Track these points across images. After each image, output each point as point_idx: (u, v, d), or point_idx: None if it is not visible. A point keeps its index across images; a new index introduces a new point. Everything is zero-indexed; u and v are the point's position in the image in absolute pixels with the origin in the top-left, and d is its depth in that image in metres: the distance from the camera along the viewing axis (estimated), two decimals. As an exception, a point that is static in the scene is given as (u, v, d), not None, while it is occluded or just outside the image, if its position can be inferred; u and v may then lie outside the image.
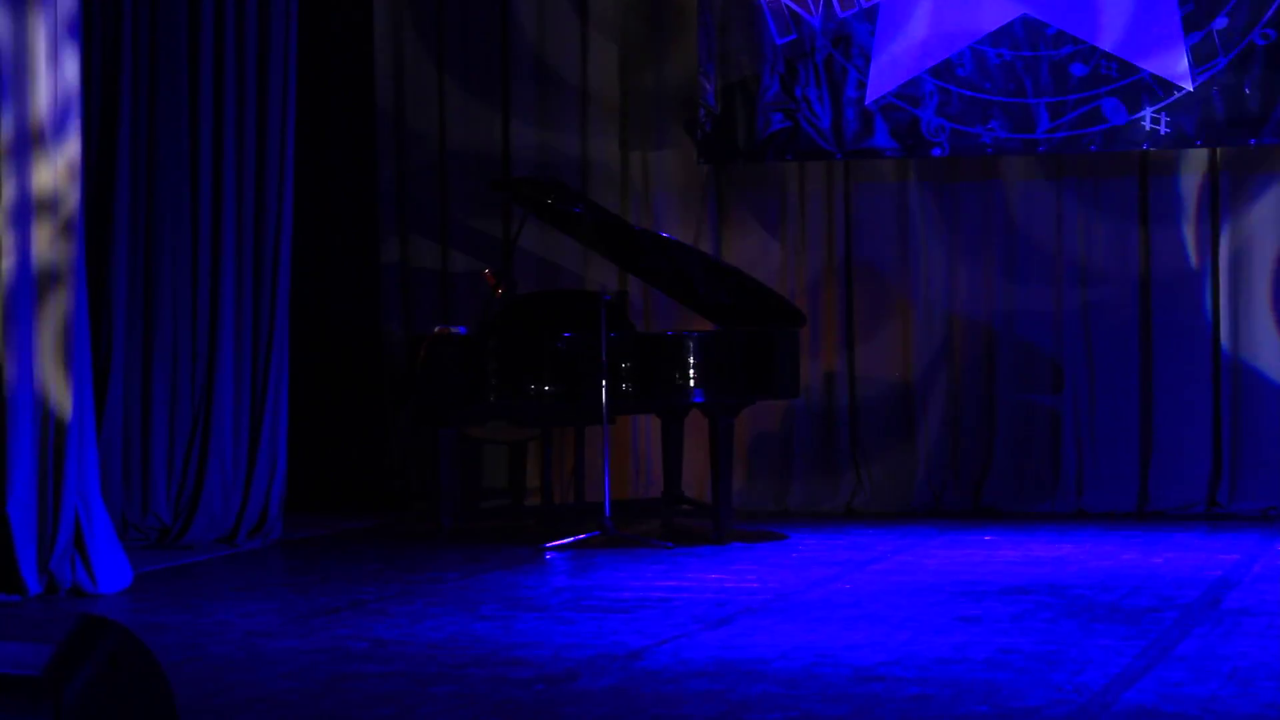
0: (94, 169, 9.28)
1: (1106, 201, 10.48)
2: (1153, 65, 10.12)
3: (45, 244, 7.90)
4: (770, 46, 10.61)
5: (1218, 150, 10.26)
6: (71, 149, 8.01)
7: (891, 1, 10.45)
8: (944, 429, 10.65)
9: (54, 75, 7.93)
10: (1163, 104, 10.11)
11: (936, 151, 10.45)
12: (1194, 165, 10.35)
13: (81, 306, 8.05)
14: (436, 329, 9.93)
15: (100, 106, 9.44)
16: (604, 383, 9.10)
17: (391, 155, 11.31)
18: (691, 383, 9.18)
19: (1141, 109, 10.14)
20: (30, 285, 7.84)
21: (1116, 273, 10.45)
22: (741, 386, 9.33)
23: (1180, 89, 10.08)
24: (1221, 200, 10.31)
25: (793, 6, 10.56)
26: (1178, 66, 10.08)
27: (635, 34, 11.03)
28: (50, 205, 7.91)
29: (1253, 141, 10.06)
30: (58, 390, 7.93)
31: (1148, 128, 10.15)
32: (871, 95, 10.48)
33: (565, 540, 9.18)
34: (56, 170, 7.94)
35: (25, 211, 7.83)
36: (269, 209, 9.79)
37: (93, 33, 9.26)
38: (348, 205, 11.42)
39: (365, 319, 11.35)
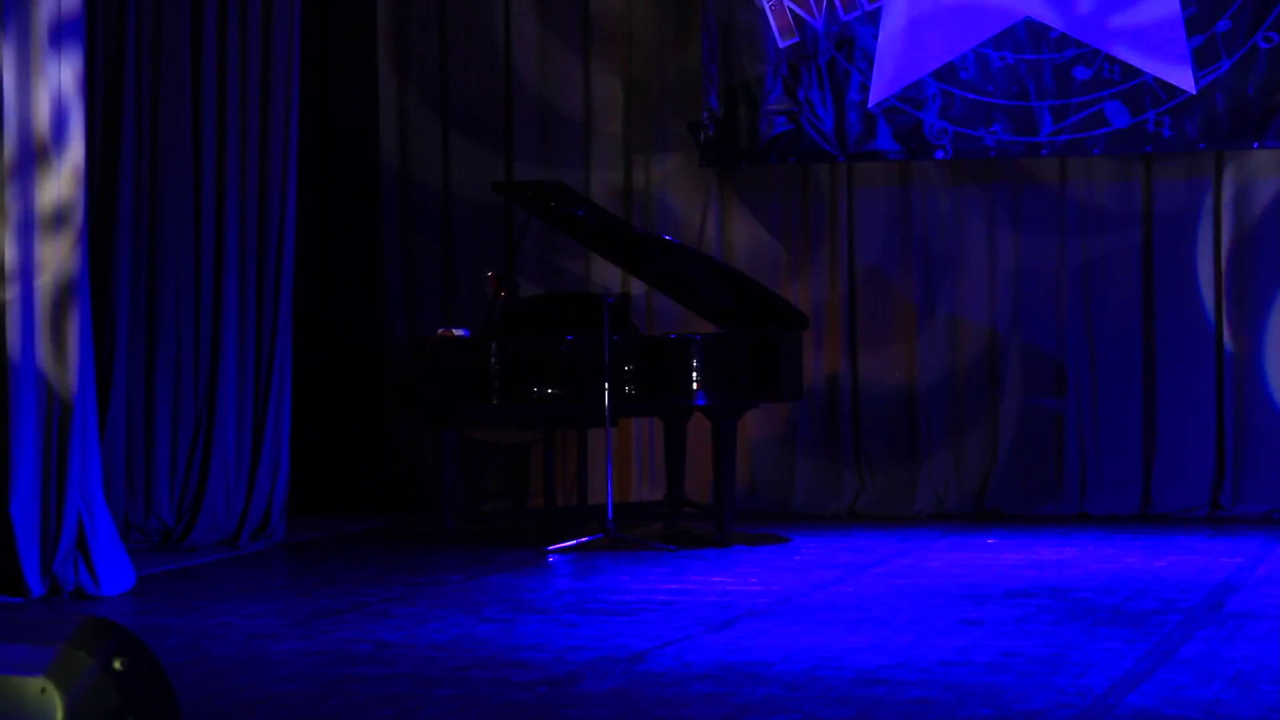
0: (97, 171, 9.29)
1: (1109, 205, 10.48)
2: (1156, 68, 10.12)
3: (49, 246, 7.91)
4: (773, 49, 10.61)
5: (1221, 153, 10.26)
6: (75, 152, 8.01)
7: (894, 4, 10.45)
8: (947, 432, 10.65)
9: (56, 79, 7.94)
10: (1166, 107, 10.11)
11: (939, 154, 10.45)
12: (1197, 168, 10.35)
13: (85, 308, 8.06)
14: (439, 331, 9.93)
15: (103, 108, 9.45)
16: (607, 385, 9.10)
17: (394, 156, 11.31)
18: (694, 385, 9.18)
19: (1144, 112, 10.14)
20: (33, 287, 7.85)
21: (1119, 276, 10.45)
22: (744, 389, 9.33)
23: (1183, 92, 10.08)
24: (1225, 203, 10.31)
25: (795, 9, 10.56)
26: (1181, 70, 10.08)
27: (639, 37, 11.03)
28: (54, 208, 7.92)
29: (1256, 145, 10.06)
30: (61, 391, 7.94)
31: (1151, 131, 10.15)
32: (874, 98, 10.48)
33: (568, 543, 9.18)
34: (60, 174, 7.94)
35: (29, 215, 7.84)
36: (272, 210, 9.79)
37: (95, 36, 9.26)
38: (351, 207, 11.42)
39: (368, 321, 11.36)
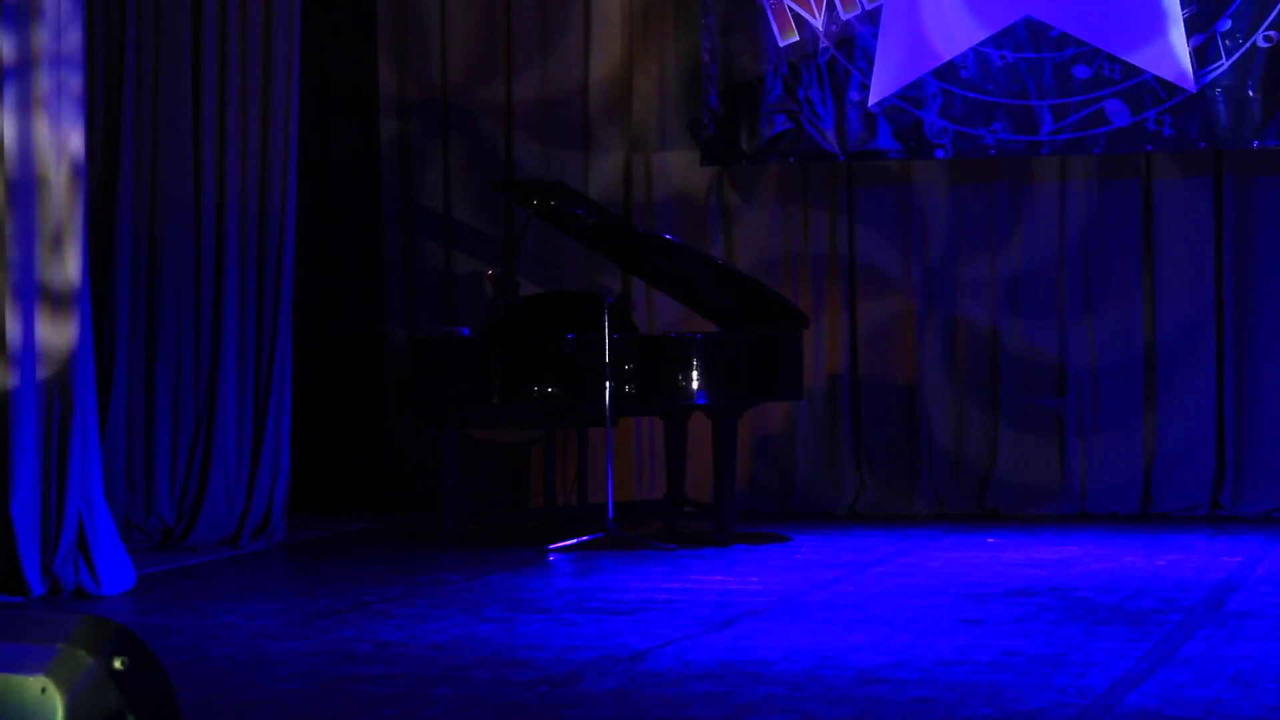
0: (97, 171, 9.29)
1: (1109, 204, 10.47)
2: (1156, 67, 10.12)
3: (48, 246, 7.91)
4: (773, 48, 10.61)
5: (1221, 153, 10.26)
6: (75, 150, 8.01)
7: (894, 3, 10.45)
8: (947, 431, 10.65)
9: (58, 72, 7.94)
10: (1166, 106, 10.11)
11: (940, 153, 10.45)
12: (1197, 167, 10.35)
13: (85, 306, 8.06)
14: (440, 330, 9.93)
15: (104, 106, 9.45)
16: (607, 384, 9.10)
17: (395, 156, 11.31)
18: (695, 384, 9.18)
19: (1144, 111, 10.14)
20: (33, 286, 7.85)
21: (1120, 275, 10.44)
22: (745, 388, 9.33)
23: (1183, 91, 10.07)
24: (1225, 202, 10.30)
25: (795, 8, 10.56)
26: (1181, 69, 10.08)
27: (639, 36, 11.03)
28: (52, 206, 7.91)
29: (1255, 144, 10.06)
30: (61, 390, 7.94)
31: (1151, 130, 10.15)
32: (874, 97, 10.48)
33: (568, 542, 9.18)
34: (59, 170, 7.94)
35: (27, 212, 7.84)
36: (272, 210, 9.80)
37: (95, 36, 9.27)
38: (351, 206, 11.42)
39: (368, 320, 11.36)
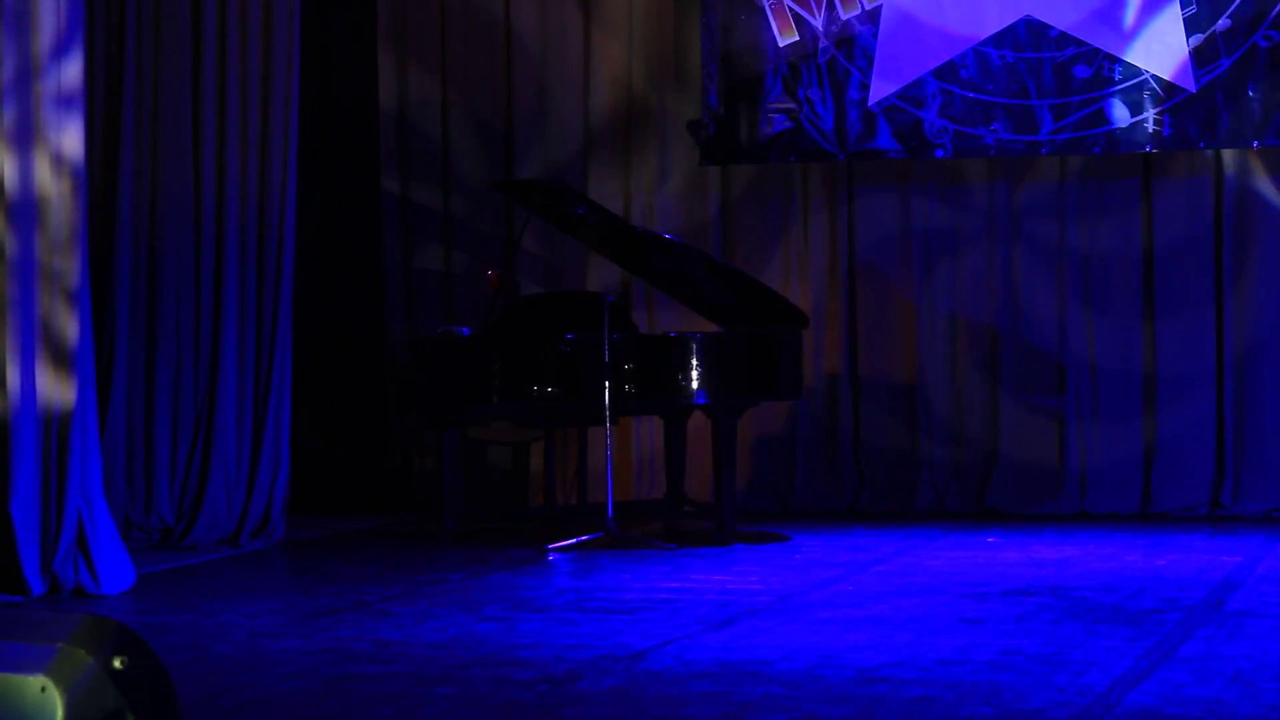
0: (97, 172, 9.29)
1: (1110, 204, 10.48)
2: (1155, 67, 10.12)
3: (48, 244, 7.91)
4: (773, 48, 10.61)
5: (1221, 152, 10.26)
6: (74, 148, 8.01)
7: (894, 2, 10.45)
8: (947, 430, 10.65)
9: (57, 74, 7.94)
10: (1165, 106, 10.11)
11: (939, 153, 10.45)
12: (1197, 167, 10.35)
13: (85, 306, 8.06)
14: (440, 330, 9.93)
15: (104, 106, 9.45)
16: (607, 384, 9.10)
17: (395, 156, 11.31)
18: (694, 384, 9.18)
19: (1144, 111, 10.15)
20: (33, 285, 7.85)
21: (1119, 274, 10.45)
22: (744, 387, 9.33)
23: (1183, 91, 10.08)
24: (1225, 202, 10.31)
25: (795, 8, 10.57)
26: (1181, 68, 10.08)
27: (639, 35, 11.03)
28: (53, 205, 7.92)
29: (1255, 144, 10.06)
30: (61, 390, 7.94)
31: (1150, 129, 10.15)
32: (874, 96, 10.48)
33: (568, 541, 9.18)
34: (59, 170, 7.94)
35: (28, 211, 7.84)
36: (272, 210, 9.80)
37: (95, 35, 9.27)
38: (351, 206, 11.42)
39: (369, 320, 11.36)
